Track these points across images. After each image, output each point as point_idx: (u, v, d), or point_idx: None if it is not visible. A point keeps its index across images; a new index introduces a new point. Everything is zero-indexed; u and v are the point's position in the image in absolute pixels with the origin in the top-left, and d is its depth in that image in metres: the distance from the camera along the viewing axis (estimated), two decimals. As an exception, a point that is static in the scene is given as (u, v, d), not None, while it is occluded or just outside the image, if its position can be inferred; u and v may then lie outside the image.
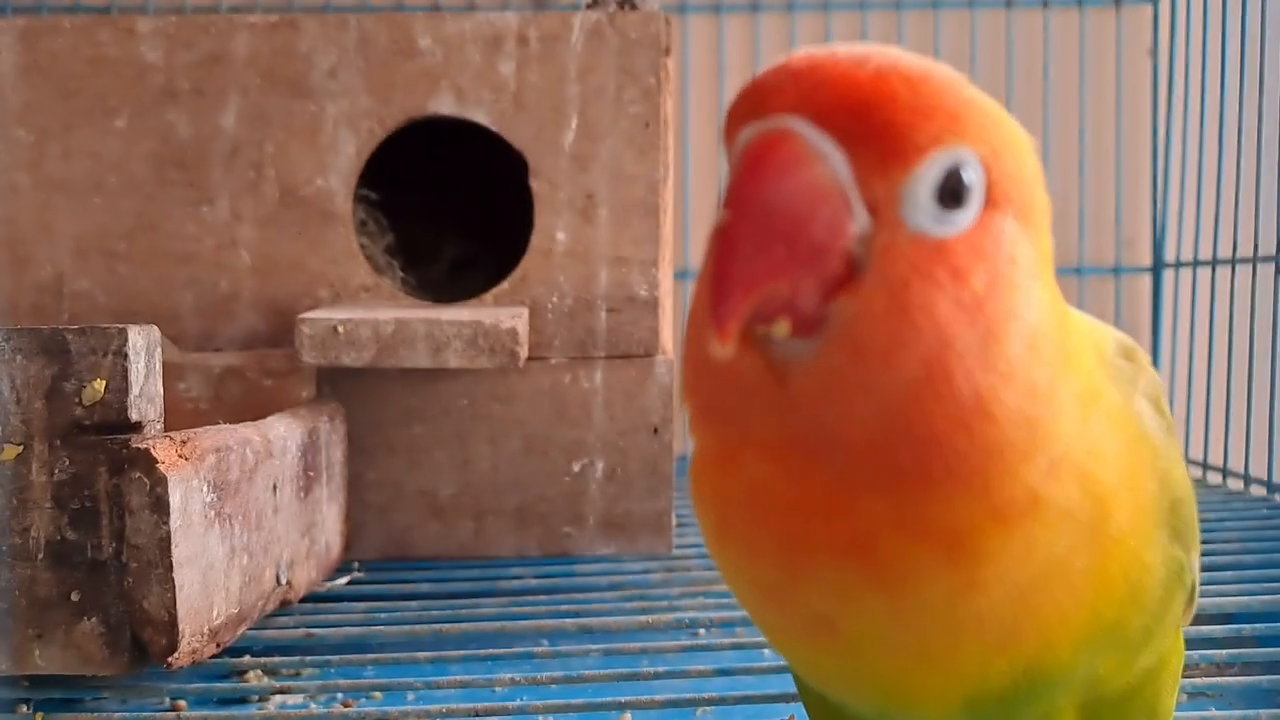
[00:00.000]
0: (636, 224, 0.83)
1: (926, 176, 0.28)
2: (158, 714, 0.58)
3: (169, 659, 0.54)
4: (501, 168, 0.86)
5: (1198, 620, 0.54)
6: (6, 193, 0.83)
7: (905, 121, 0.28)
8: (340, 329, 0.73)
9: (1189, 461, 1.07)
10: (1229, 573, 0.72)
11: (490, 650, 0.66)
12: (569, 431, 0.83)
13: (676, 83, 1.03)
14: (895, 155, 0.28)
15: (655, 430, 0.84)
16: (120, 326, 0.55)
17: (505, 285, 0.84)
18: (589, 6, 0.84)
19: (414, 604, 0.72)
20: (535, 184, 0.83)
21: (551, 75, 0.83)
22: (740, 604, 0.35)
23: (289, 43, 0.83)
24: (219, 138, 0.83)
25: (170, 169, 0.83)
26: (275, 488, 0.65)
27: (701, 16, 1.23)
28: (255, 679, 0.63)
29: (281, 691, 0.62)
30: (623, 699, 0.56)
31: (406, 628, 0.66)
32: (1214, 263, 1.07)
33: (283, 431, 0.67)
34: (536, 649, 0.65)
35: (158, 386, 0.57)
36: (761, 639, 0.63)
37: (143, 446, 0.53)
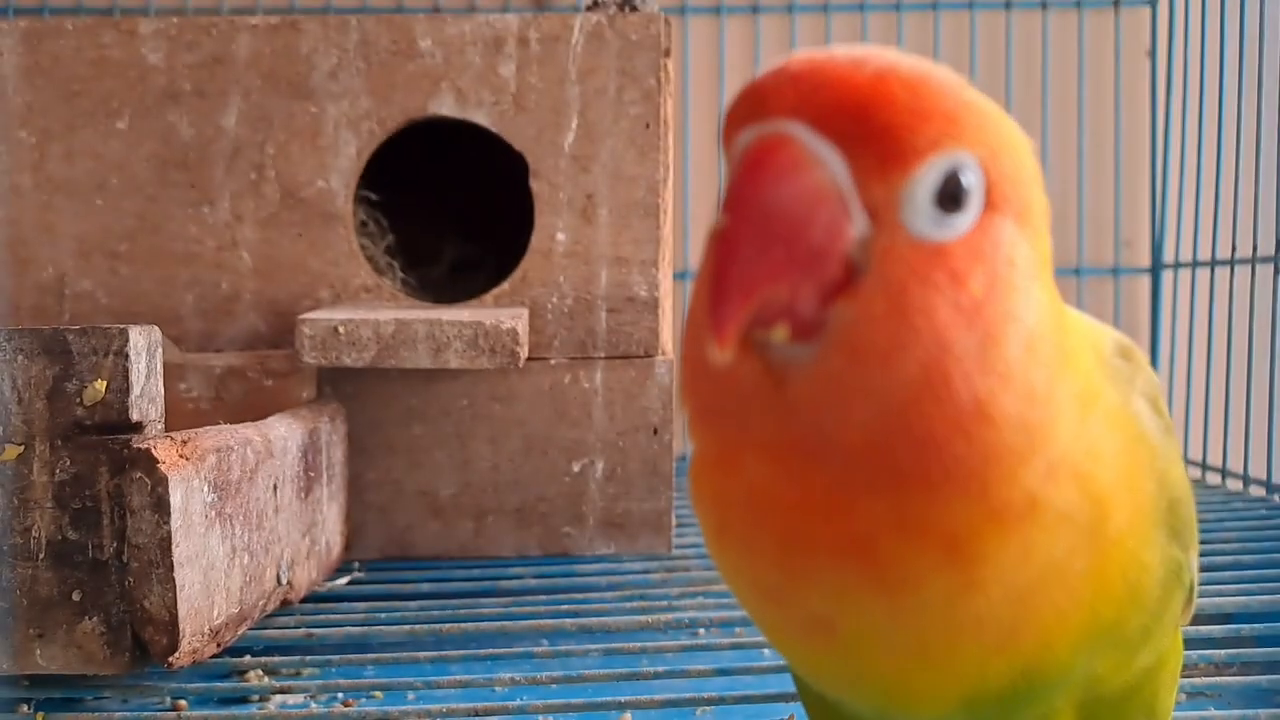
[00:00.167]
0: (636, 224, 0.83)
1: (925, 180, 0.28)
2: (158, 713, 0.58)
3: (170, 658, 0.54)
4: (502, 169, 0.86)
5: (1197, 620, 0.54)
6: (9, 194, 0.83)
7: (904, 125, 0.28)
8: (341, 329, 0.73)
9: (1188, 462, 1.07)
10: (1228, 573, 0.72)
11: (490, 650, 0.66)
12: (569, 431, 0.84)
13: (677, 84, 1.03)
14: (894, 159, 0.28)
15: (655, 430, 0.84)
16: (121, 327, 0.55)
17: (505, 286, 0.84)
18: (589, 8, 0.84)
19: (414, 604, 0.72)
20: (535, 185, 0.83)
21: (552, 76, 0.83)
22: (740, 603, 0.35)
23: (290, 44, 0.83)
24: (220, 139, 0.83)
25: (172, 170, 0.83)
26: (276, 488, 0.65)
27: (701, 18, 1.23)
28: (256, 679, 0.63)
29: (282, 691, 0.62)
30: (622, 699, 0.56)
31: (407, 627, 0.66)
32: (1213, 263, 1.07)
33: (283, 432, 0.67)
34: (536, 649, 0.66)
35: (159, 387, 0.58)
36: (761, 639, 0.63)
37: (144, 446, 0.54)
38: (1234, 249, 1.02)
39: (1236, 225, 1.02)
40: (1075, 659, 0.32)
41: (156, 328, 0.58)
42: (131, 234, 0.83)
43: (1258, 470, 0.99)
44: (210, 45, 0.83)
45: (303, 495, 0.70)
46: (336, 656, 0.63)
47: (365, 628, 0.67)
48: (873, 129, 0.28)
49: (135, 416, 0.55)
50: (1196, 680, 0.59)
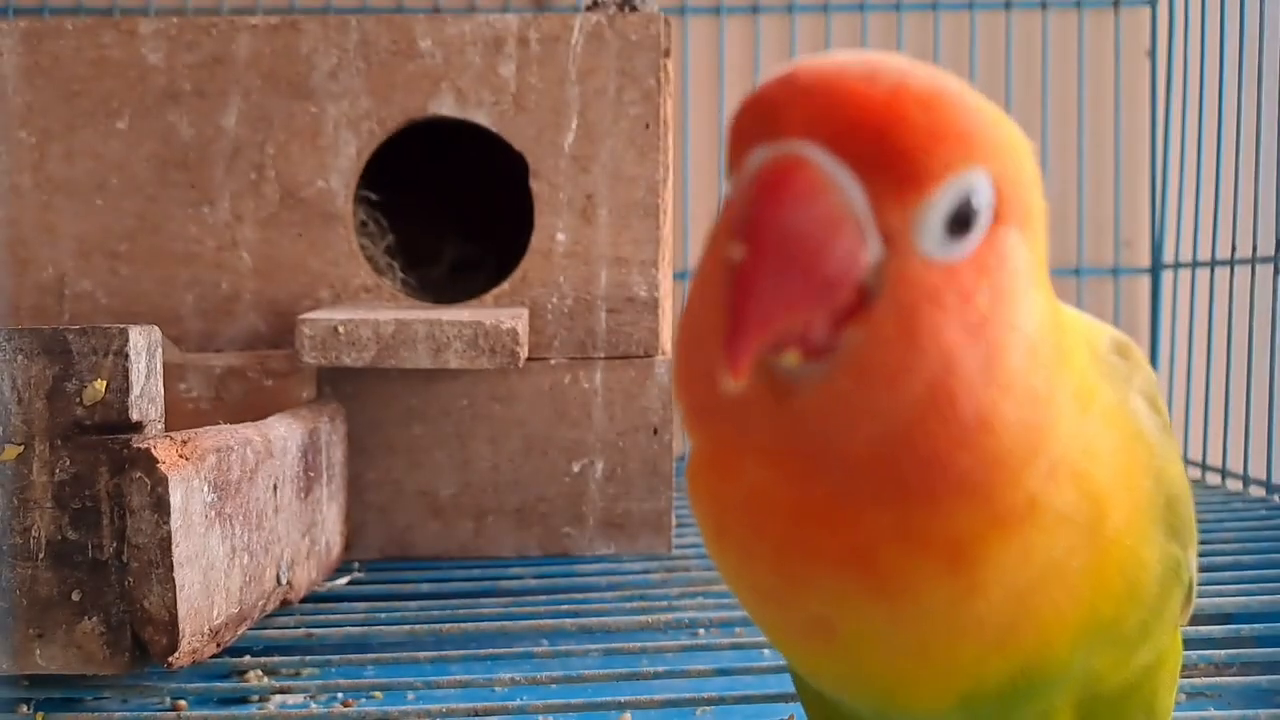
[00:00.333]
0: (636, 225, 0.83)
1: (940, 204, 0.28)
2: (158, 714, 0.58)
3: (169, 658, 0.54)
4: (502, 169, 0.86)
5: (1196, 620, 0.54)
6: (9, 194, 0.83)
7: (921, 148, 0.28)
8: (341, 329, 0.73)
9: (1188, 462, 1.07)
10: (1228, 573, 0.72)
11: (490, 650, 0.66)
12: (569, 432, 0.84)
13: (676, 84, 1.03)
14: (912, 183, 0.28)
15: (655, 430, 0.84)
16: (121, 327, 0.55)
17: (505, 286, 0.84)
18: (589, 8, 0.84)
19: (414, 604, 0.72)
20: (535, 185, 0.83)
21: (552, 77, 0.83)
22: (739, 603, 0.35)
23: (290, 44, 0.83)
24: (220, 139, 0.83)
25: (172, 170, 0.83)
26: (276, 488, 0.65)
27: (701, 18, 1.23)
28: (255, 679, 0.63)
29: (282, 691, 0.62)
30: (622, 699, 0.56)
31: (406, 627, 0.66)
32: (1212, 264, 1.07)
33: (283, 432, 0.67)
34: (536, 649, 0.66)
35: (159, 387, 0.58)
36: (761, 639, 0.63)
37: (143, 446, 0.54)
38: (1234, 249, 1.02)
39: (1236, 225, 1.02)
40: (1074, 656, 0.32)
41: (156, 328, 0.58)
42: (131, 234, 0.83)
43: (1258, 470, 0.99)
44: (210, 45, 0.83)
45: (302, 495, 0.70)
46: (336, 656, 0.63)
47: (365, 628, 0.67)
48: (891, 153, 0.28)
49: (135, 416, 0.55)
50: (1196, 680, 0.59)
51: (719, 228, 0.30)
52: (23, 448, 0.54)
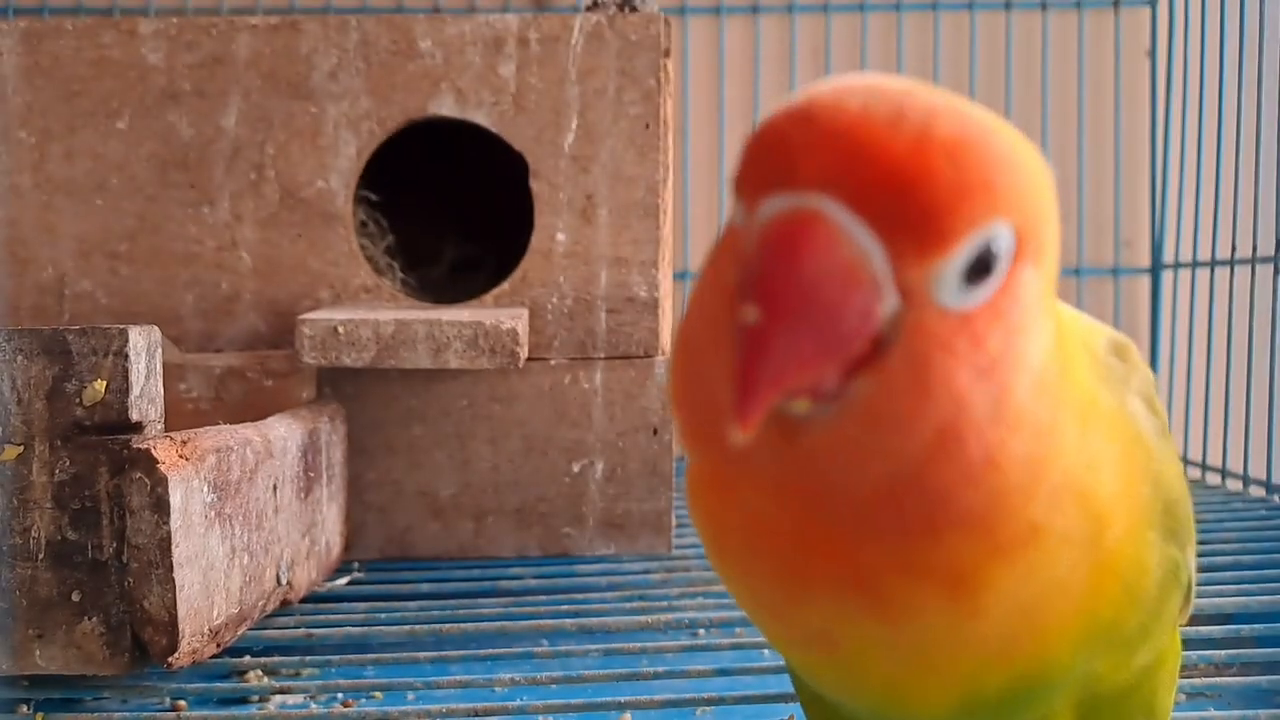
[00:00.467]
0: (636, 225, 0.83)
1: (960, 259, 0.27)
2: (158, 714, 0.58)
3: (169, 659, 0.54)
4: (502, 169, 0.86)
5: (1196, 621, 0.54)
6: (8, 194, 0.83)
7: (947, 206, 0.27)
8: (341, 330, 0.73)
9: (1188, 462, 1.07)
10: (1228, 573, 0.72)
11: (490, 650, 0.66)
12: (569, 432, 0.84)
13: (676, 84, 1.03)
14: (935, 242, 0.27)
15: (655, 431, 0.84)
16: (121, 327, 0.55)
17: (505, 286, 0.84)
18: (589, 8, 0.84)
19: (414, 604, 0.72)
20: (535, 185, 0.83)
21: (551, 77, 0.83)
22: (742, 607, 0.35)
23: (290, 44, 0.83)
24: (220, 139, 0.83)
25: (172, 170, 0.83)
26: (275, 488, 0.65)
27: (701, 18, 1.23)
28: (255, 679, 0.63)
29: (282, 691, 0.62)
30: (622, 699, 0.56)
31: (406, 628, 0.66)
32: (1212, 264, 1.07)
33: (283, 432, 0.67)
34: (536, 649, 0.66)
35: (158, 387, 0.58)
36: (761, 639, 0.63)
37: (143, 447, 0.54)
38: (1234, 249, 1.02)
39: (1236, 225, 1.02)
40: (1074, 661, 0.32)
41: (156, 328, 0.58)
42: (131, 234, 0.83)
43: (1258, 470, 0.99)
44: (210, 45, 0.83)
45: (302, 495, 0.70)
46: (336, 657, 0.63)
47: (365, 628, 0.67)
48: (914, 212, 0.27)
49: (135, 417, 0.55)
50: (1196, 681, 0.59)
51: (720, 255, 0.29)
52: (22, 448, 0.54)
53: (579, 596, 0.73)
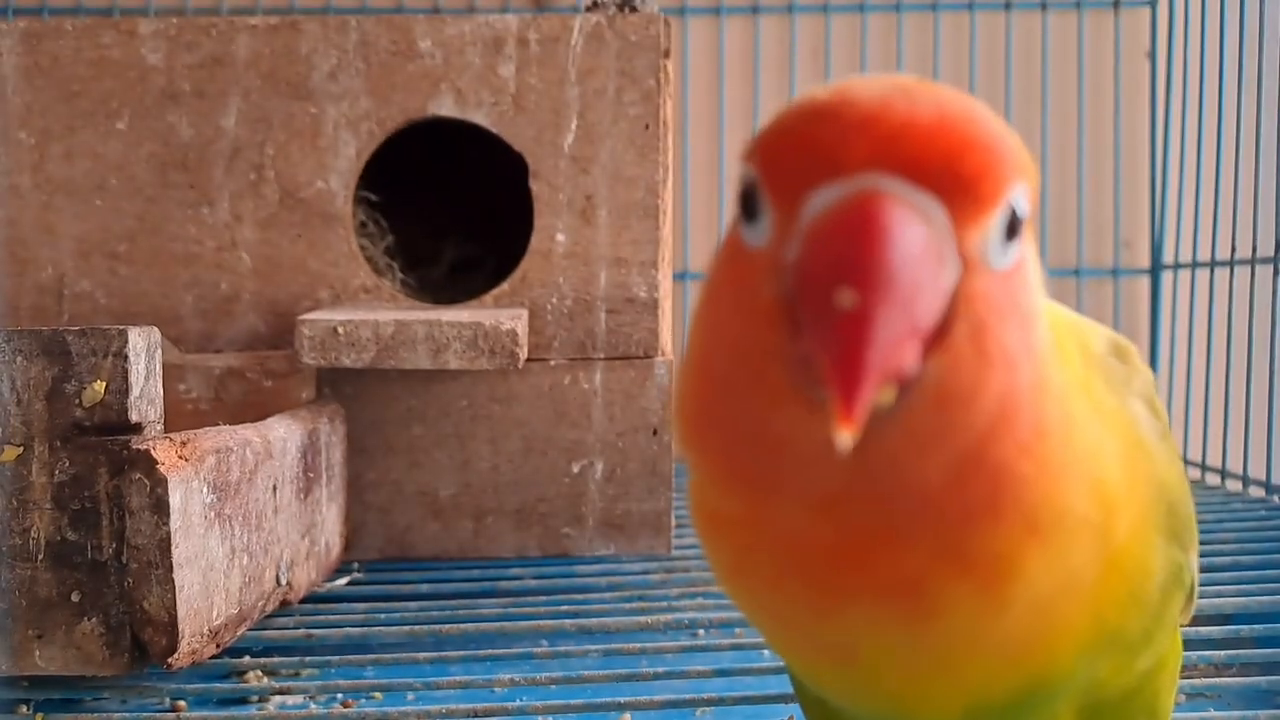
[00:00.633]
0: (636, 225, 0.83)
1: (1001, 217, 0.28)
2: (158, 714, 0.58)
3: (169, 659, 0.54)
4: (501, 169, 0.86)
5: (1196, 621, 0.54)
6: (8, 194, 0.83)
7: (992, 164, 0.27)
8: (340, 330, 0.73)
9: (1188, 462, 1.07)
10: (1227, 574, 0.72)
11: (490, 650, 0.66)
12: (568, 432, 0.84)
13: (676, 85, 1.03)
14: (985, 203, 0.27)
15: (655, 431, 0.84)
16: (121, 328, 0.55)
17: (505, 286, 0.84)
18: (589, 9, 0.84)
19: (414, 604, 0.72)
20: (535, 185, 0.83)
21: (551, 77, 0.83)
22: (748, 620, 0.35)
23: (290, 45, 0.83)
24: (220, 139, 0.83)
25: (171, 170, 0.83)
26: (275, 488, 0.65)
27: (701, 18, 1.23)
28: (255, 679, 0.63)
29: (281, 692, 0.62)
30: (622, 699, 0.56)
31: (406, 628, 0.66)
32: (1212, 264, 1.07)
33: (283, 432, 0.67)
34: (536, 649, 0.66)
35: (158, 388, 0.58)
36: (761, 640, 0.63)
37: (143, 447, 0.54)
38: (1233, 250, 1.02)
39: (1236, 226, 1.02)
40: (1079, 666, 0.32)
41: (156, 329, 0.58)
42: (131, 234, 0.83)
43: (1258, 471, 0.99)
44: (210, 46, 0.83)
45: (302, 496, 0.70)
46: (336, 657, 0.63)
47: (365, 628, 0.67)
48: (966, 173, 0.27)
49: (134, 417, 0.55)
50: (1196, 681, 0.59)
51: (735, 277, 0.29)
52: (22, 449, 0.54)
53: (579, 597, 0.73)
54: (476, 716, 0.55)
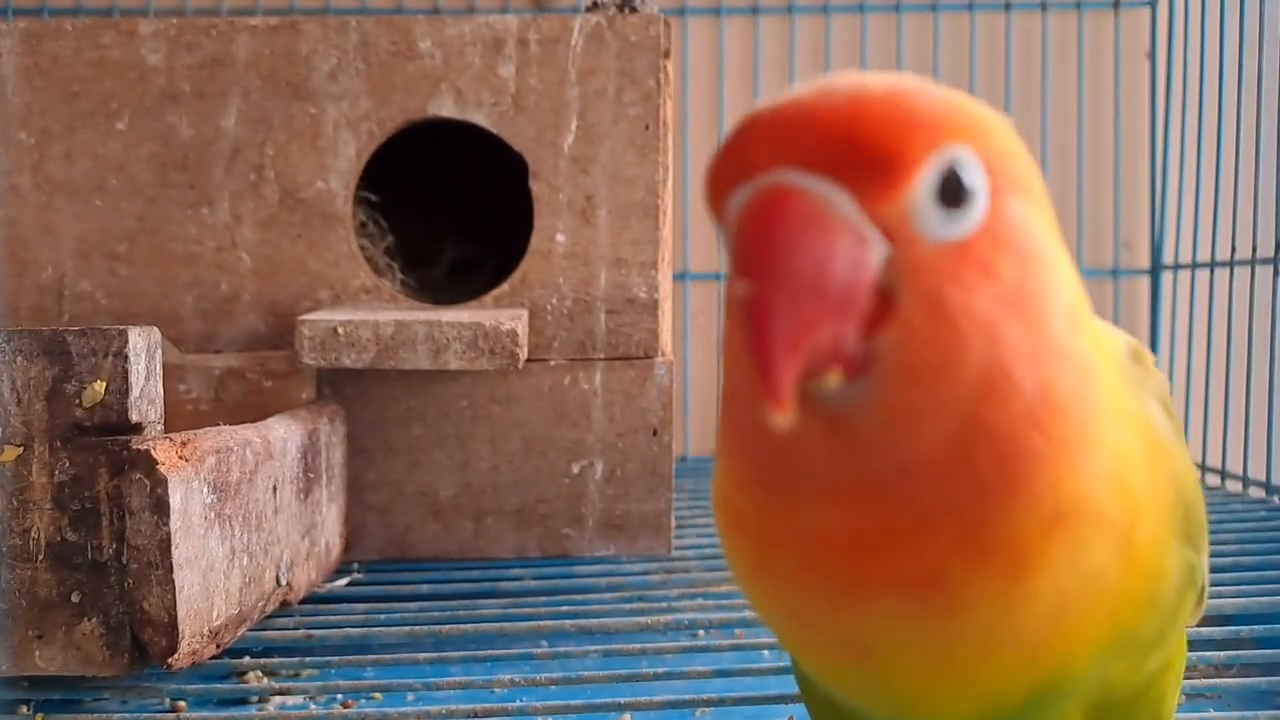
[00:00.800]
0: (636, 226, 0.83)
1: (926, 184, 0.28)
2: (158, 714, 0.59)
3: (169, 660, 0.54)
4: (501, 170, 0.86)
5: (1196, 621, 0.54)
6: (8, 194, 0.83)
7: (890, 137, 0.28)
8: (340, 330, 0.73)
9: (1188, 463, 1.07)
10: (1227, 574, 0.72)
11: (490, 651, 0.66)
12: (568, 433, 0.83)
13: (676, 85, 1.03)
14: (890, 174, 0.28)
15: (654, 431, 0.84)
16: (121, 328, 0.55)
17: (505, 287, 0.84)
18: (589, 9, 0.84)
19: (413, 605, 0.72)
20: (535, 186, 0.83)
21: (551, 78, 0.83)
22: (765, 622, 0.35)
23: (290, 45, 0.83)
24: (220, 140, 0.83)
25: (171, 171, 0.83)
26: (275, 489, 0.65)
27: (701, 19, 1.23)
28: (255, 680, 0.63)
29: (281, 692, 0.62)
30: (622, 700, 0.56)
31: (406, 629, 0.66)
32: (1212, 265, 1.07)
33: (283, 433, 0.67)
34: (536, 650, 0.66)
35: (158, 388, 0.58)
36: (761, 641, 0.63)
37: (143, 448, 0.54)
38: (1233, 250, 1.02)
39: (1236, 226, 1.02)
40: (1093, 667, 0.32)
41: (156, 329, 0.58)
42: (131, 235, 0.83)
43: (1257, 471, 0.99)
44: (210, 46, 0.83)
45: (302, 496, 0.70)
46: (336, 658, 0.63)
47: (365, 629, 0.67)
48: (861, 152, 0.28)
49: (135, 418, 0.55)
50: (1196, 682, 0.59)
51: (729, 306, 0.30)
52: (22, 449, 0.54)
53: (578, 597, 0.73)
54: (476, 717, 0.55)
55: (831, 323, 0.27)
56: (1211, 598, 0.65)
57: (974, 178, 0.29)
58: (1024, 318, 0.28)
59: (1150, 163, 1.21)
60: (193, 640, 0.55)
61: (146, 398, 0.56)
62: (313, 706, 0.61)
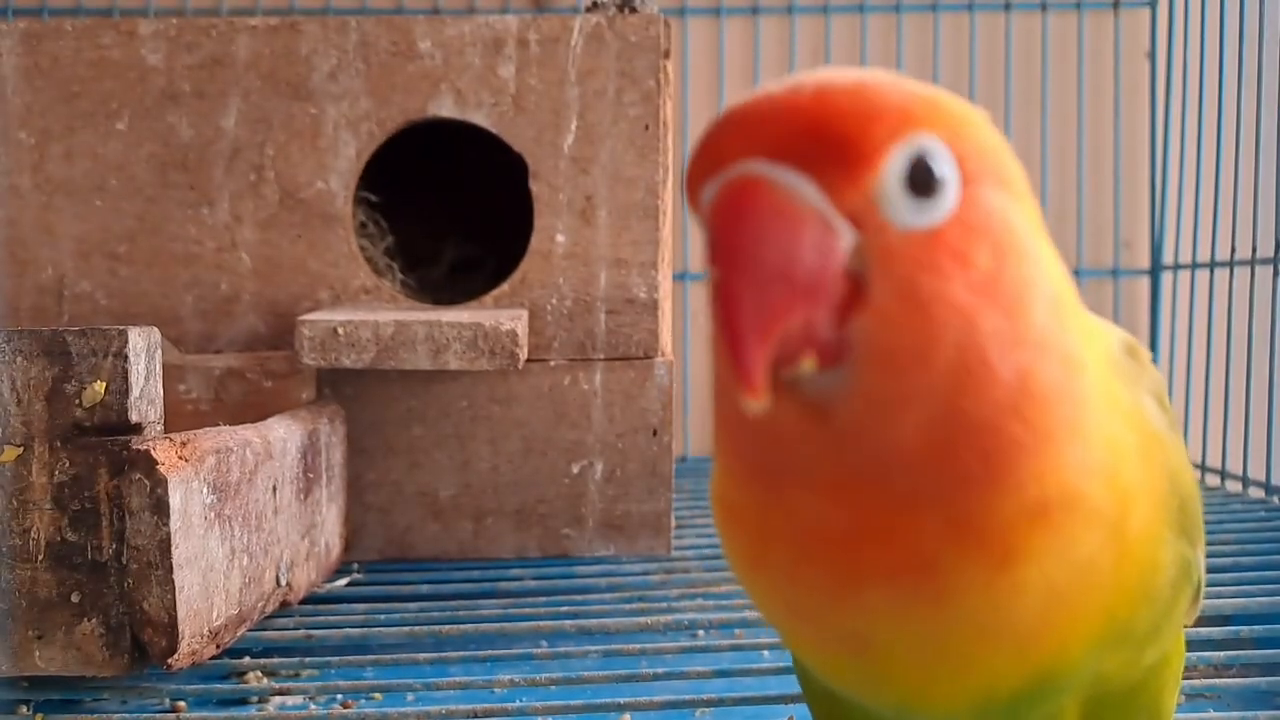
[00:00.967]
0: (636, 226, 0.83)
1: (892, 171, 0.28)
2: (157, 715, 0.59)
3: (169, 660, 0.54)
4: (501, 170, 0.86)
5: (1196, 621, 0.54)
6: (8, 195, 0.83)
7: (855, 127, 0.28)
8: (340, 331, 0.73)
9: (1188, 463, 1.07)
10: (1227, 574, 0.72)
11: (489, 651, 0.66)
12: (568, 433, 0.84)
13: (676, 85, 1.03)
14: (855, 161, 0.28)
15: (654, 432, 0.84)
16: (121, 328, 0.55)
17: (505, 287, 0.84)
18: (589, 9, 0.84)
19: (413, 605, 0.72)
20: (535, 186, 0.83)
21: (551, 78, 0.83)
22: (764, 617, 0.35)
23: (290, 45, 0.83)
24: (220, 140, 0.83)
25: (171, 171, 0.83)
26: (275, 489, 0.65)
27: (701, 19, 1.23)
28: (255, 680, 0.63)
29: (281, 692, 0.62)
30: (622, 700, 0.56)
31: (406, 629, 0.66)
32: (1212, 265, 1.07)
33: (282, 433, 0.67)
34: (536, 650, 0.66)
35: (158, 388, 0.58)
36: (761, 641, 0.63)
37: (143, 448, 0.54)
38: (1233, 250, 1.02)
39: (1236, 227, 1.02)
40: (1088, 659, 0.32)
41: (156, 329, 0.58)
42: (131, 235, 0.83)
43: (1257, 471, 0.99)
44: (210, 46, 0.83)
45: (302, 496, 0.70)
46: (336, 658, 0.63)
47: (364, 629, 0.67)
48: (826, 140, 0.28)
49: (134, 418, 0.55)
50: (1196, 682, 0.59)
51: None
52: (22, 449, 0.54)
53: (578, 598, 0.73)
54: (476, 717, 0.55)
55: (801, 309, 0.27)
56: (1211, 598, 0.65)
57: (943, 167, 0.29)
58: (1001, 306, 0.28)
59: (1150, 163, 1.21)
60: (192, 640, 0.55)
61: (146, 398, 0.56)
62: (313, 707, 0.61)
